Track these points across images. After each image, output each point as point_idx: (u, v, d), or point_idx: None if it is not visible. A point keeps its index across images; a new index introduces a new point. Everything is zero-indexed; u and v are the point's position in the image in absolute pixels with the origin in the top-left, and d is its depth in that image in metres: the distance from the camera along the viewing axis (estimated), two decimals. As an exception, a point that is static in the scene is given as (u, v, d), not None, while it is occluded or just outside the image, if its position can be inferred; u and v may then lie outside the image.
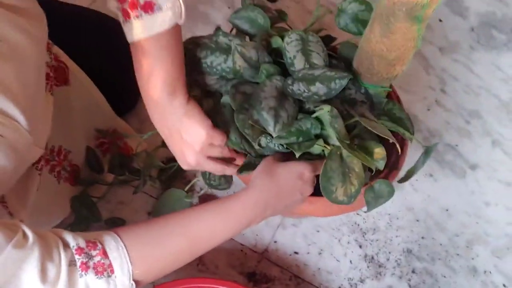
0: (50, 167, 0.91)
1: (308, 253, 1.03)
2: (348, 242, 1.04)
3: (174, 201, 1.03)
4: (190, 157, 0.77)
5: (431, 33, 1.27)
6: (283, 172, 0.75)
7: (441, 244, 1.05)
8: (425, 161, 0.80)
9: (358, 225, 1.06)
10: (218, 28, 0.80)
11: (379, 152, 0.74)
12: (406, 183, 1.08)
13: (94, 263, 0.62)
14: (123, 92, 1.05)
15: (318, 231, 1.05)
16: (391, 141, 0.72)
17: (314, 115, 0.74)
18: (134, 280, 0.64)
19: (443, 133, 1.16)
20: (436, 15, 1.29)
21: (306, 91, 0.74)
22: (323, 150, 0.77)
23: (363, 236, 1.05)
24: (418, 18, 0.64)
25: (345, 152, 0.73)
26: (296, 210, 0.82)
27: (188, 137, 0.75)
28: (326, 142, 0.76)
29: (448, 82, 1.22)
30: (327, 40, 0.88)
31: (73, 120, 0.95)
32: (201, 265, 1.00)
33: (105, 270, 0.62)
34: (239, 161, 0.81)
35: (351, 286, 1.00)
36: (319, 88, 0.74)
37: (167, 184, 1.06)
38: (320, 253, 1.03)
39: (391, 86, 0.90)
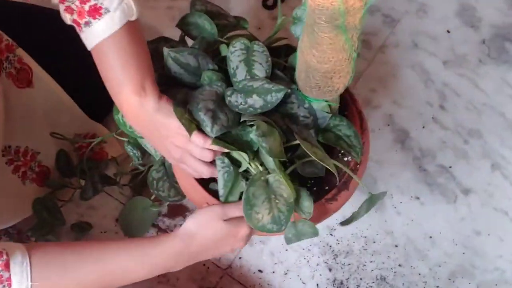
0: (13, 167, 0.92)
1: (273, 272, 0.98)
2: (317, 264, 0.98)
3: (141, 209, 1.02)
4: (173, 151, 0.75)
5: (436, 45, 1.18)
6: (219, 229, 0.72)
7: (419, 274, 0.97)
8: (368, 209, 0.74)
9: (330, 246, 0.99)
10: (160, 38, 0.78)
11: (308, 206, 0.72)
12: (388, 205, 1.02)
13: None
14: (98, 96, 1.05)
15: (286, 250, 0.99)
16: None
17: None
18: None
19: (437, 153, 1.07)
20: (444, 26, 1.20)
21: (242, 103, 0.70)
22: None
23: (335, 259, 0.98)
24: (342, 27, 0.58)
25: (271, 177, 0.70)
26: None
27: (168, 133, 0.73)
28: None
29: (448, 97, 1.13)
30: (286, 50, 0.84)
31: (39, 122, 0.95)
32: (161, 276, 0.98)
33: (1, 282, 0.61)
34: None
35: (314, 311, 0.95)
36: (255, 100, 0.70)
37: (137, 191, 1.05)
38: (286, 273, 0.97)
39: (353, 99, 0.85)
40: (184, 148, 0.74)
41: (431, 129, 1.10)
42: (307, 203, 0.72)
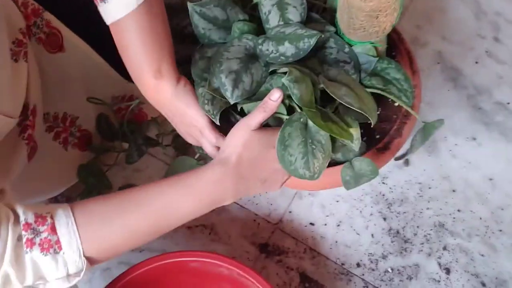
0: (54, 134, 0.91)
1: (325, 224, 0.95)
2: (371, 214, 0.94)
3: (187, 168, 0.99)
4: (188, 138, 0.77)
5: (487, -29, 1.09)
6: (253, 138, 0.67)
7: (480, 218, 0.92)
8: (424, 140, 0.68)
9: (384, 195, 0.95)
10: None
11: (354, 131, 0.65)
12: (442, 147, 0.97)
13: (41, 239, 0.60)
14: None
15: (337, 201, 0.96)
16: (378, 111, 0.62)
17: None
18: (86, 257, 0.62)
19: (493, 89, 1.00)
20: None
21: (274, 51, 0.66)
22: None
23: (389, 207, 0.94)
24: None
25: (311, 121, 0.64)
26: (287, 184, 0.74)
27: (183, 120, 0.74)
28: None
29: (503, 28, 1.04)
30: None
31: (75, 87, 0.93)
32: (213, 234, 0.97)
33: (51, 246, 0.60)
34: None
35: (371, 262, 0.91)
36: (287, 48, 0.65)
37: (181, 151, 1.03)
38: (338, 225, 0.95)
39: (400, 38, 0.79)
40: (196, 140, 0.75)
41: (486, 64, 1.02)
42: (352, 129, 0.66)
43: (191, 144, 1.03)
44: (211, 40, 0.69)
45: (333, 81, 0.64)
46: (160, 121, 1.05)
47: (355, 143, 0.65)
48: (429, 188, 0.95)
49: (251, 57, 0.66)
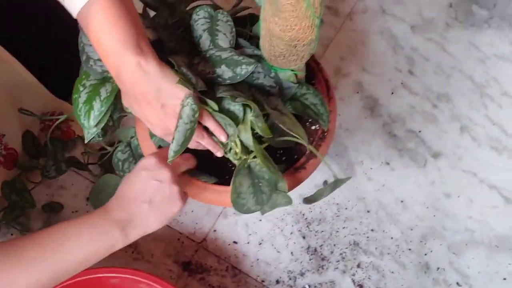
0: None
1: (248, 243, 0.98)
2: (291, 233, 0.99)
3: (113, 186, 1.00)
4: (166, 122, 0.68)
5: (404, 9, 1.18)
6: (130, 177, 0.71)
7: (392, 238, 0.98)
8: (332, 190, 0.75)
9: (303, 215, 1.00)
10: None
11: (282, 186, 0.72)
12: (359, 171, 1.03)
13: None
14: (63, 73, 1.03)
15: (260, 220, 1.00)
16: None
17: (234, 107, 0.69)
18: None
19: (406, 118, 1.08)
20: (411, -10, 1.20)
21: (211, 72, 0.69)
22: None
23: (308, 226, 0.99)
24: (301, -6, 0.57)
25: (253, 163, 0.71)
26: (200, 198, 0.77)
27: (166, 101, 0.66)
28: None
29: (417, 62, 1.13)
30: (251, 19, 0.82)
31: (2, 103, 0.93)
32: (136, 253, 0.97)
33: None
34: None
35: (289, 279, 0.95)
36: (224, 71, 0.69)
37: (107, 169, 1.03)
38: (260, 243, 0.98)
39: (319, 67, 0.84)
40: (167, 127, 0.68)
41: (400, 95, 1.10)
42: (280, 184, 0.72)
43: (117, 162, 1.04)
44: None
45: (274, 109, 0.69)
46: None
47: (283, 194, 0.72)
48: (346, 208, 1.01)
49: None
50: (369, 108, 1.09)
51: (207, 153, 0.74)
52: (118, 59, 0.64)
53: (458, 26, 1.16)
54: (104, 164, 1.03)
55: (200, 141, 0.72)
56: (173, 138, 0.65)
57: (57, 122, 0.98)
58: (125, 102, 0.71)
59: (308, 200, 0.79)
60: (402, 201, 1.01)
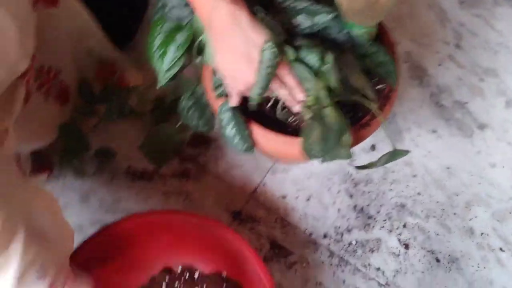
0: (38, 85, 0.92)
1: (296, 197, 1.00)
2: (339, 191, 1.01)
3: (165, 137, 1.02)
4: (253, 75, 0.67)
5: (453, -15, 1.20)
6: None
7: (437, 202, 1.00)
8: (388, 161, 0.76)
9: (351, 175, 1.02)
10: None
11: (346, 140, 0.72)
12: (406, 137, 1.05)
13: None
14: (122, 23, 1.05)
15: (308, 178, 1.02)
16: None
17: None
18: None
19: (453, 89, 1.10)
20: (461, -32, 1.22)
21: (288, 23, 0.71)
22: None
23: (355, 186, 1.01)
24: None
25: (327, 111, 0.70)
26: (269, 148, 0.79)
27: (255, 54, 0.65)
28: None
29: (465, 37, 1.15)
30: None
31: (62, 42, 0.95)
32: (188, 201, 0.99)
33: None
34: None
35: (337, 234, 0.97)
36: (303, 20, 0.70)
37: (161, 120, 1.05)
38: (308, 199, 1.00)
39: (384, 30, 0.86)
40: (252, 64, 0.65)
41: (448, 67, 1.12)
42: (347, 137, 0.73)
43: (170, 113, 1.06)
44: None
45: (346, 66, 0.70)
46: (142, 89, 1.08)
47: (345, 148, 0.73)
48: (392, 172, 1.02)
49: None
50: (417, 78, 1.11)
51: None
52: (211, 6, 0.63)
53: (506, 3, 1.18)
54: (158, 115, 1.05)
55: (279, 91, 0.71)
56: (256, 82, 0.67)
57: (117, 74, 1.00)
58: (214, 53, 0.69)
59: (363, 167, 0.80)
60: (448, 168, 1.03)
